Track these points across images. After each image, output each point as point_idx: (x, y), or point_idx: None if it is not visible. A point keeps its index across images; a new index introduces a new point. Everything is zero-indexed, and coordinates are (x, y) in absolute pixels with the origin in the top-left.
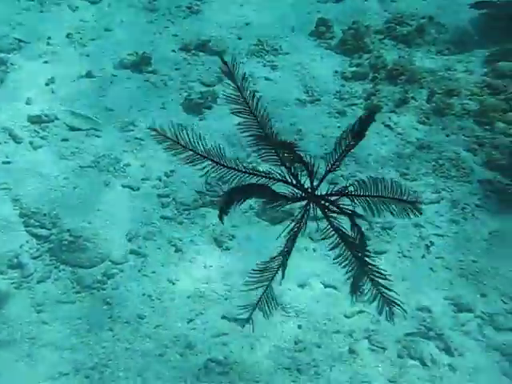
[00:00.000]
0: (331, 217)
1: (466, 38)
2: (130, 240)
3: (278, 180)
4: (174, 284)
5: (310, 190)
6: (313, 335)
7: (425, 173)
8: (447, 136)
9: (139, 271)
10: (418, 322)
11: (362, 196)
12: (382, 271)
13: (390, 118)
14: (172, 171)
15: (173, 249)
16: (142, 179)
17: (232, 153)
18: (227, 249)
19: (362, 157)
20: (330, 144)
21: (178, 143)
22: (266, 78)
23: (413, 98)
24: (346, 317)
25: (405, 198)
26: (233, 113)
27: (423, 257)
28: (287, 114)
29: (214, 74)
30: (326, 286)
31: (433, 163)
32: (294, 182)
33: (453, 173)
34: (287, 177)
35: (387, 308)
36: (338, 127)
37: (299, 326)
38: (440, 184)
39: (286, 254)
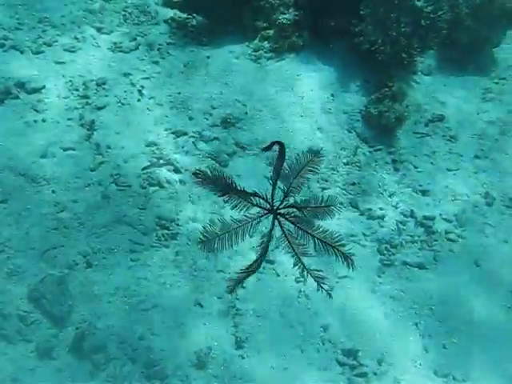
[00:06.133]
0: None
1: None
2: None
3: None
4: None
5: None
6: (68, 194)
7: (118, 23)
8: None
9: None
10: (149, 156)
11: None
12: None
13: None
14: None
15: None
16: None
17: None
18: None
19: (56, 19)
20: None
21: None
22: None
23: None
24: (92, 170)
25: (313, 156)
26: None
27: (139, 100)
28: None
29: None
30: (65, 150)
31: (123, 13)
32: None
33: (142, 18)
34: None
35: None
36: None
37: (53, 191)
38: (134, 31)
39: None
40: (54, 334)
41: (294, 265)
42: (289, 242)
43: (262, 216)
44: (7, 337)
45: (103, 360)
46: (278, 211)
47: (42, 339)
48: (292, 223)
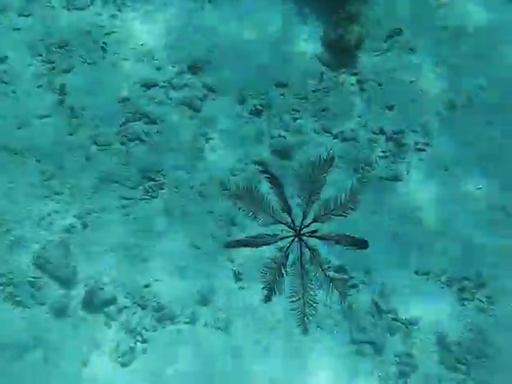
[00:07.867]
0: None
1: None
2: None
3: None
4: None
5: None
6: (52, 161)
7: None
8: None
9: None
10: (124, 112)
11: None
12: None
13: None
14: None
15: None
16: None
17: None
18: None
19: None
20: None
21: None
22: None
23: None
24: (70, 134)
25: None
26: None
27: (103, 58)
28: None
29: None
30: (41, 118)
31: None
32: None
33: None
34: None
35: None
36: None
37: (38, 160)
38: None
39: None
40: (64, 294)
41: (321, 283)
42: (318, 262)
43: (290, 245)
44: (22, 302)
45: (115, 310)
46: (302, 232)
47: (53, 300)
48: (318, 238)
